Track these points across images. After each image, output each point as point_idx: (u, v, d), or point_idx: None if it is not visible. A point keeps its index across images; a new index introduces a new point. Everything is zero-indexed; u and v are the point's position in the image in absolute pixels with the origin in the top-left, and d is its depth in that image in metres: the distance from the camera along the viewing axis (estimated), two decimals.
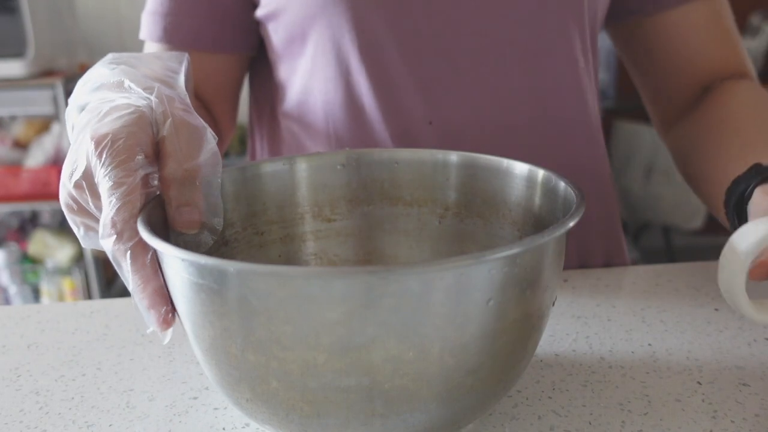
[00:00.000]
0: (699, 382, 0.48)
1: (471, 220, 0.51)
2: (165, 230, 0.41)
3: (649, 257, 2.75)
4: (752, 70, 0.70)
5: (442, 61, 0.62)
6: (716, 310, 0.59)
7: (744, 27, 2.78)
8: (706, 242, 2.98)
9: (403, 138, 0.64)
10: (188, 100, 0.43)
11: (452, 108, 0.63)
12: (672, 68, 0.70)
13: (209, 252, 0.44)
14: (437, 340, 0.34)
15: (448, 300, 0.33)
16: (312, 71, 0.65)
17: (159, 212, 0.41)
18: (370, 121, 0.64)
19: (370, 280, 0.32)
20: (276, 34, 0.66)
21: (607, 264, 0.72)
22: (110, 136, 0.39)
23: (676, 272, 0.68)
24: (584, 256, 0.71)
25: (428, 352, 0.34)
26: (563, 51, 0.64)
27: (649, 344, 0.54)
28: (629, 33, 0.72)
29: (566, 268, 0.63)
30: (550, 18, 0.63)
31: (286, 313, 0.33)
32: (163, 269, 0.38)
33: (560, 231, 0.36)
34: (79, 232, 0.43)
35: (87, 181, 0.40)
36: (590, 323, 0.57)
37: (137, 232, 0.37)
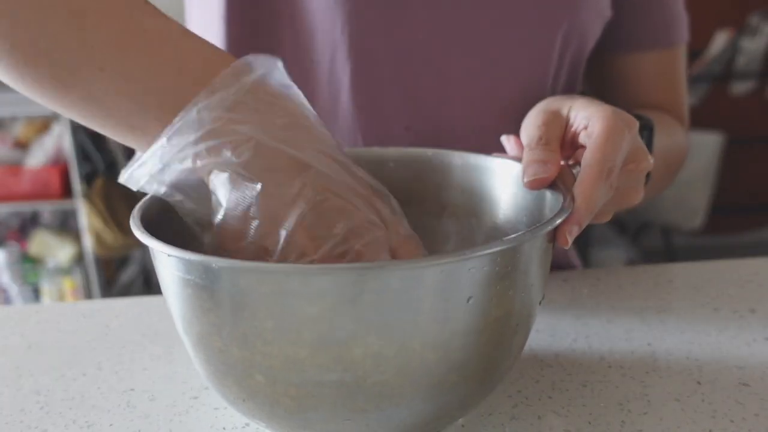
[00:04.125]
0: (699, 382, 0.48)
1: (466, 219, 0.52)
2: (162, 227, 0.41)
3: (649, 257, 2.75)
4: (687, 120, 0.78)
5: (430, 69, 0.63)
6: (716, 310, 0.59)
7: (743, 27, 2.78)
8: (706, 242, 2.97)
9: (376, 140, 0.64)
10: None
11: (432, 115, 0.64)
12: (620, 103, 0.75)
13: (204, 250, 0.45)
14: (418, 337, 0.34)
15: (428, 297, 0.34)
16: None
17: (155, 209, 0.41)
18: (344, 117, 0.64)
19: (350, 277, 0.32)
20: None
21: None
22: None
23: (676, 272, 0.68)
24: None
25: (409, 348, 0.35)
26: (545, 78, 0.66)
27: (649, 344, 0.54)
28: (593, 67, 0.76)
29: None
30: (539, 39, 0.64)
31: (268, 309, 0.34)
32: (155, 266, 0.39)
33: (542, 230, 0.37)
34: None
35: None
36: (590, 323, 0.57)
37: None
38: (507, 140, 0.53)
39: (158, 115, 0.37)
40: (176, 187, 0.39)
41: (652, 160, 0.46)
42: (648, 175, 0.54)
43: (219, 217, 0.38)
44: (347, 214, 0.38)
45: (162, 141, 0.37)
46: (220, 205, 0.38)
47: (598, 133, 0.43)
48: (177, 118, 0.37)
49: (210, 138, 0.37)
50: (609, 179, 0.41)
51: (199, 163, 0.37)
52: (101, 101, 0.38)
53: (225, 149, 0.37)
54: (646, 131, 0.57)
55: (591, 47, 0.69)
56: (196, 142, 0.37)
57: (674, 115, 0.75)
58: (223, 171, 0.37)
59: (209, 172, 0.38)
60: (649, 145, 0.57)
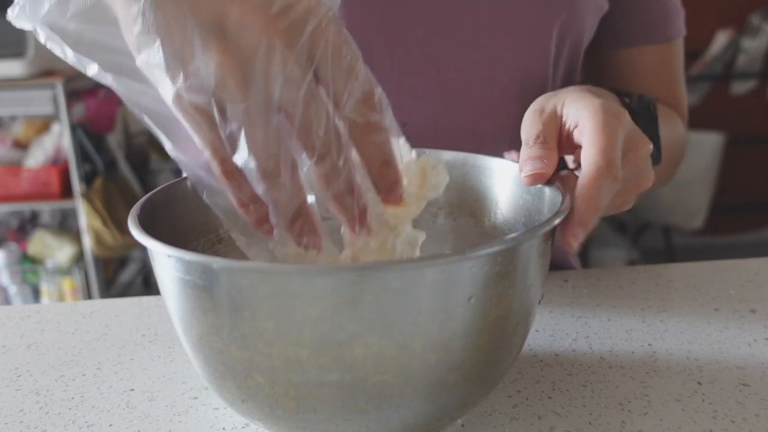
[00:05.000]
0: (699, 382, 0.48)
1: (464, 219, 0.52)
2: (161, 228, 0.41)
3: (649, 257, 2.75)
4: (686, 113, 0.78)
5: (428, 63, 0.63)
6: (716, 310, 0.59)
7: (744, 27, 2.79)
8: (706, 242, 2.98)
9: None
10: None
11: (429, 110, 0.64)
12: None
13: (204, 250, 0.45)
14: (419, 337, 0.35)
15: (429, 297, 0.34)
16: None
17: (154, 209, 0.41)
18: None
19: (351, 278, 0.32)
20: None
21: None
22: None
23: (676, 272, 0.68)
24: None
25: (410, 348, 0.35)
26: (543, 72, 0.66)
27: (649, 344, 0.54)
28: (591, 62, 0.76)
29: None
30: (536, 32, 0.64)
31: (269, 309, 0.34)
32: (154, 267, 0.39)
33: (541, 230, 0.37)
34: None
35: None
36: (590, 323, 0.57)
37: None
38: (509, 155, 0.53)
39: None
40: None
41: (651, 145, 0.46)
42: (658, 153, 0.54)
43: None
44: None
45: None
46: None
47: (588, 133, 0.43)
48: None
49: None
50: (611, 173, 0.41)
51: None
52: None
53: None
54: (653, 107, 0.57)
55: (588, 40, 0.69)
56: None
57: (673, 108, 0.75)
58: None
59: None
60: (654, 120, 0.57)
